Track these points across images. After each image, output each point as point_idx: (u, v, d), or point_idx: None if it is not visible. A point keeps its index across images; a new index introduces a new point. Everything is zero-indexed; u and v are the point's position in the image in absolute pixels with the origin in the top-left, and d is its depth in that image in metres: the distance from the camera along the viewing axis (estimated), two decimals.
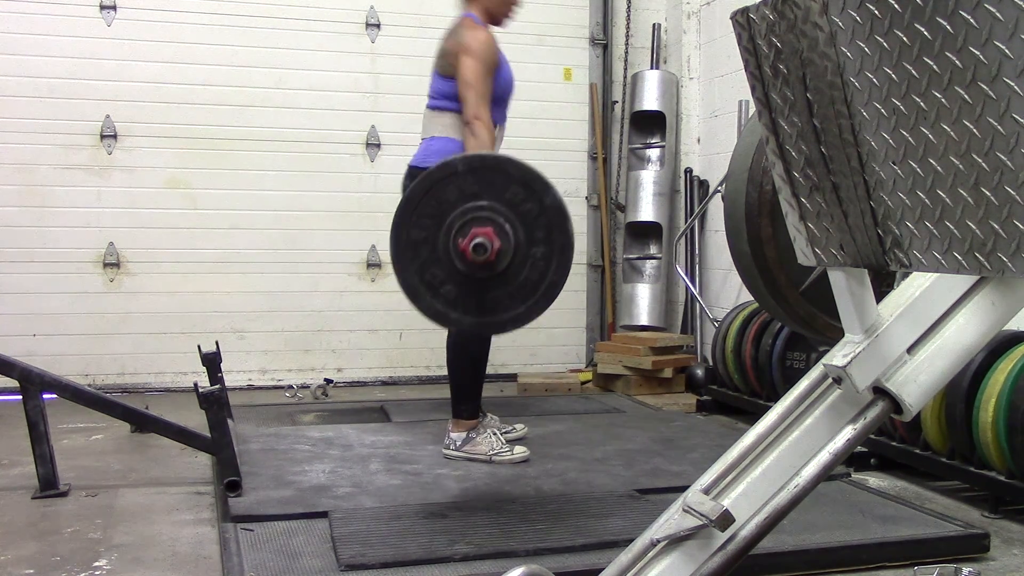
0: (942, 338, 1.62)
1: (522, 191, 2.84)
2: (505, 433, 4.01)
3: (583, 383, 5.96)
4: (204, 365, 4.35)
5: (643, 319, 6.37)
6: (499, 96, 3.87)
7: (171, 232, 5.81)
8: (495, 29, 3.95)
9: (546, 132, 6.33)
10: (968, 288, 1.65)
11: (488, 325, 2.88)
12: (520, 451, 3.85)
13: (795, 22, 1.41)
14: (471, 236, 2.78)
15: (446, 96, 3.83)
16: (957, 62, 1.21)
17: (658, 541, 1.62)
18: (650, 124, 6.49)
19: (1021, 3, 1.11)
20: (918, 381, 1.59)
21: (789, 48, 1.44)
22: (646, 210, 6.40)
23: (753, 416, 4.53)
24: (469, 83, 3.69)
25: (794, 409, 1.71)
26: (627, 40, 6.61)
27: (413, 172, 3.88)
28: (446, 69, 3.82)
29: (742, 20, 1.52)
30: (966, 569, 2.60)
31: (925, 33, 1.24)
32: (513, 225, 2.83)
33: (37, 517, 3.22)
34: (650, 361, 5.55)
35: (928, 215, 1.34)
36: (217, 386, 3.44)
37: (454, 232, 2.81)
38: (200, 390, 3.27)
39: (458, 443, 3.84)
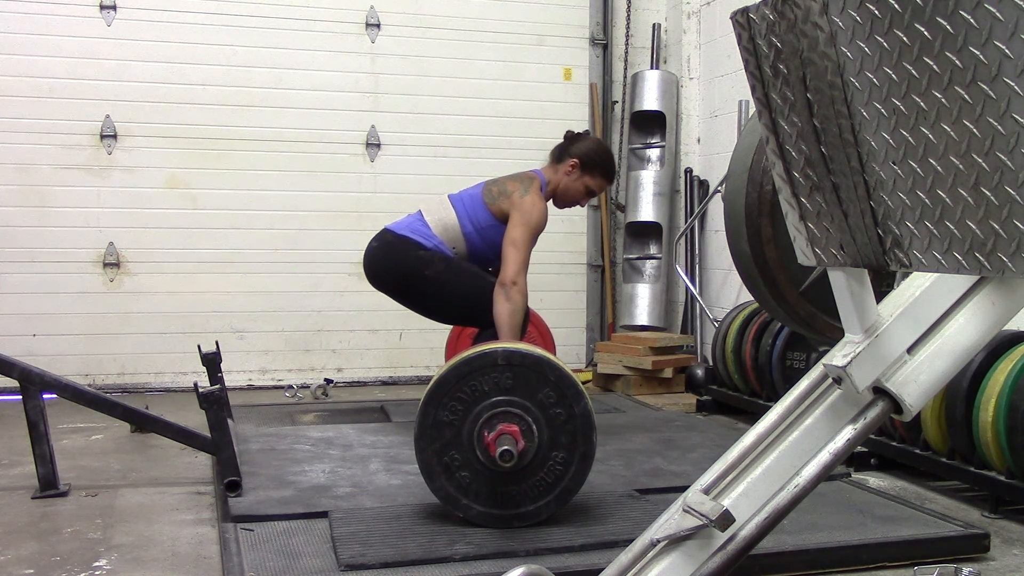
0: (942, 338, 1.62)
1: (555, 395, 2.89)
2: None
3: (583, 383, 5.95)
4: (204, 365, 4.35)
5: (643, 319, 6.37)
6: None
7: (171, 232, 5.81)
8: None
9: (546, 132, 6.32)
10: (968, 288, 1.65)
11: (496, 518, 2.90)
12: None
13: (795, 22, 1.41)
14: (498, 432, 2.81)
15: (471, 216, 3.99)
16: (957, 62, 1.21)
17: (658, 541, 1.62)
18: (650, 124, 6.49)
19: (1021, 3, 1.11)
20: (918, 381, 1.60)
21: (789, 48, 1.44)
22: (646, 210, 6.40)
23: (753, 416, 4.53)
24: (516, 245, 3.85)
25: (794, 409, 1.71)
26: (627, 40, 6.61)
27: (386, 235, 3.99)
28: (493, 202, 3.98)
29: (742, 20, 1.52)
30: (966, 569, 2.60)
31: (925, 33, 1.24)
32: (539, 425, 2.87)
33: (37, 517, 3.22)
34: (650, 361, 5.55)
35: (928, 215, 1.34)
36: (217, 386, 3.44)
37: (481, 422, 2.84)
38: (200, 390, 3.26)
39: None
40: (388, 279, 4.06)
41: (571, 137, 4.15)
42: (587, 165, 4.06)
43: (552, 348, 4.89)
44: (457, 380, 2.87)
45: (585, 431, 2.90)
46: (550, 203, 4.15)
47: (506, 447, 2.76)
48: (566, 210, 6.57)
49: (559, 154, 4.12)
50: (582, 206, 4.36)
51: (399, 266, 3.97)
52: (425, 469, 2.90)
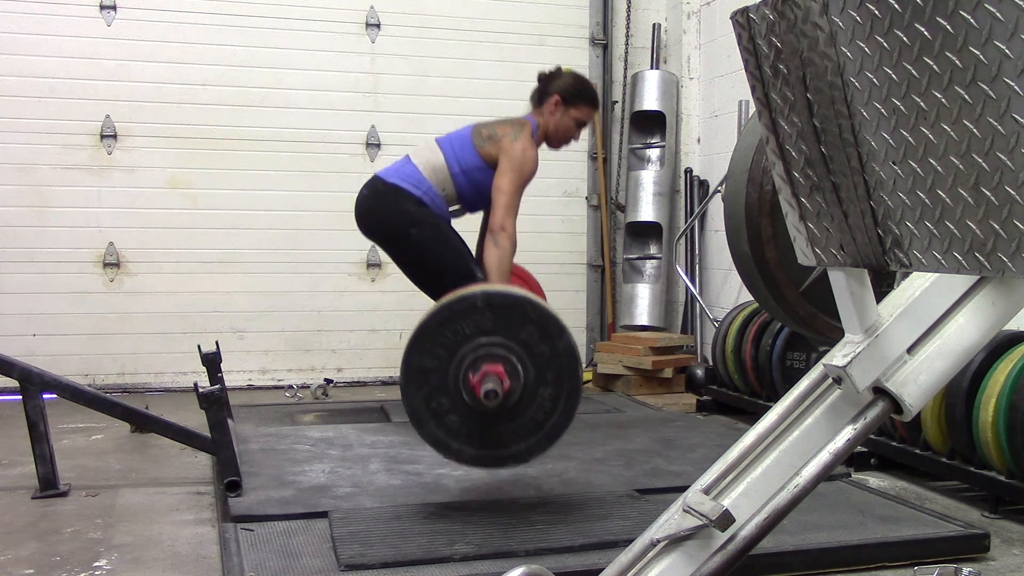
0: (942, 338, 1.62)
1: (537, 333, 2.88)
2: None
3: (583, 383, 5.95)
4: (204, 365, 4.35)
5: (643, 319, 6.37)
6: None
7: (171, 232, 5.81)
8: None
9: None
10: (968, 288, 1.65)
11: (488, 459, 2.91)
12: None
13: (795, 22, 1.41)
14: (482, 373, 2.81)
15: (459, 158, 3.90)
16: (957, 62, 1.21)
17: (658, 541, 1.62)
18: (650, 124, 6.49)
19: (1021, 3, 1.11)
20: (918, 381, 1.60)
21: (789, 48, 1.44)
22: (646, 210, 6.39)
23: (753, 416, 4.53)
24: (504, 191, 3.77)
25: (794, 409, 1.71)
26: (627, 40, 6.61)
27: (376, 183, 3.93)
28: (482, 145, 3.89)
29: (742, 20, 1.52)
30: (966, 569, 2.60)
31: (925, 33, 1.24)
32: (524, 364, 2.87)
33: (37, 517, 3.22)
34: (650, 361, 5.55)
35: (928, 215, 1.34)
36: (217, 386, 3.44)
37: (466, 365, 2.84)
38: (200, 390, 3.26)
39: None
40: (376, 229, 3.99)
41: (545, 78, 4.06)
42: (569, 98, 4.00)
43: (541, 294, 4.81)
44: (438, 325, 2.86)
45: (571, 367, 2.90)
46: (544, 148, 4.06)
47: (490, 386, 2.76)
48: (566, 211, 6.60)
49: (539, 96, 4.04)
50: (576, 140, 4.22)
51: (387, 217, 3.89)
52: (414, 417, 2.88)
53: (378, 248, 6.01)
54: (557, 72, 4.07)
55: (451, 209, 3.98)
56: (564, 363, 2.90)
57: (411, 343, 2.88)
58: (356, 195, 3.96)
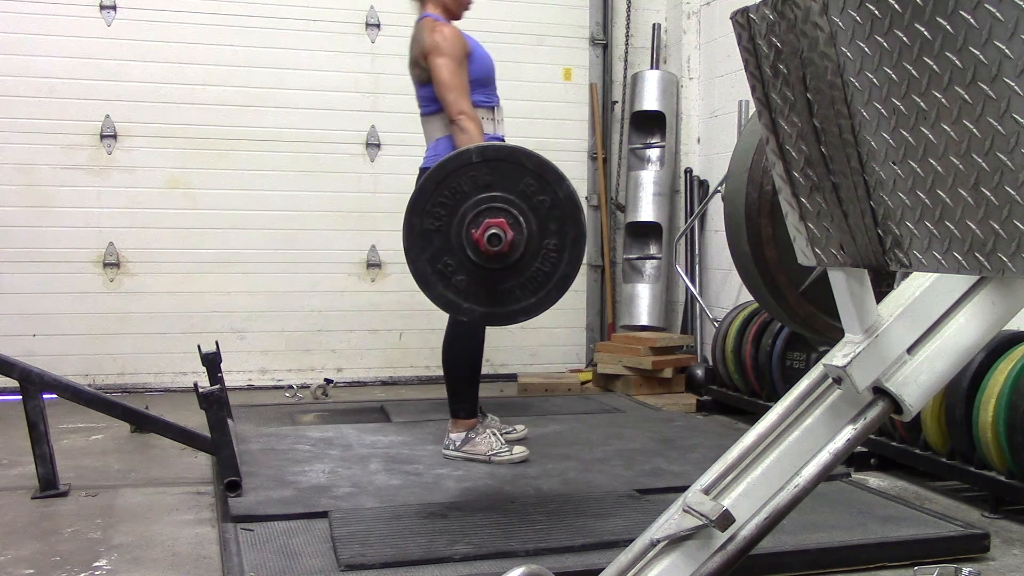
0: (942, 338, 1.62)
1: (535, 182, 2.85)
2: (505, 434, 4.02)
3: (583, 383, 5.96)
4: (204, 365, 4.35)
5: (643, 319, 6.37)
6: (482, 79, 3.86)
7: (171, 232, 5.81)
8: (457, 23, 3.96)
9: (546, 132, 6.33)
10: (968, 288, 1.65)
11: (499, 316, 2.88)
12: (519, 451, 3.85)
13: (795, 22, 1.41)
14: (484, 227, 2.79)
15: (432, 101, 3.84)
16: (957, 62, 1.21)
17: (658, 541, 1.62)
18: (650, 124, 6.49)
19: (1021, 3, 1.11)
20: (918, 381, 1.59)
21: (789, 48, 1.44)
22: (646, 210, 6.39)
23: (753, 416, 4.53)
24: (444, 83, 3.69)
25: (794, 409, 1.71)
26: (627, 40, 6.61)
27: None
28: (422, 77, 3.83)
29: (742, 20, 1.52)
30: (966, 569, 2.60)
31: (925, 33, 1.24)
32: (526, 216, 2.84)
33: (37, 517, 3.22)
34: (650, 361, 5.55)
35: (928, 215, 1.34)
36: (217, 386, 3.44)
37: (467, 222, 2.82)
38: (200, 390, 3.26)
39: (457, 443, 3.84)
40: None
41: None
42: None
43: None
44: (436, 185, 2.83)
45: (573, 213, 2.88)
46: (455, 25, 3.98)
47: (493, 230, 2.75)
48: None
49: None
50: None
51: None
52: (421, 279, 2.85)
53: (378, 248, 6.06)
54: None
55: (489, 134, 3.92)
56: (566, 211, 2.86)
57: (410, 206, 2.84)
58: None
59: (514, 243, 2.81)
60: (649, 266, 6.51)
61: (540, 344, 6.41)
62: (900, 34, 1.27)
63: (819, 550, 2.77)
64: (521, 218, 2.84)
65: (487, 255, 2.81)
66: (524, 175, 2.85)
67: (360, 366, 6.16)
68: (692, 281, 6.17)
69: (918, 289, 1.64)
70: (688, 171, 6.42)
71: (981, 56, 1.18)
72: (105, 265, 5.73)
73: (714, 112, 6.30)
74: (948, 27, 1.21)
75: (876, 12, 1.29)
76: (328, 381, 5.85)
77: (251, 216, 5.93)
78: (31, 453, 3.44)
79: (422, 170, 3.90)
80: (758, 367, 4.76)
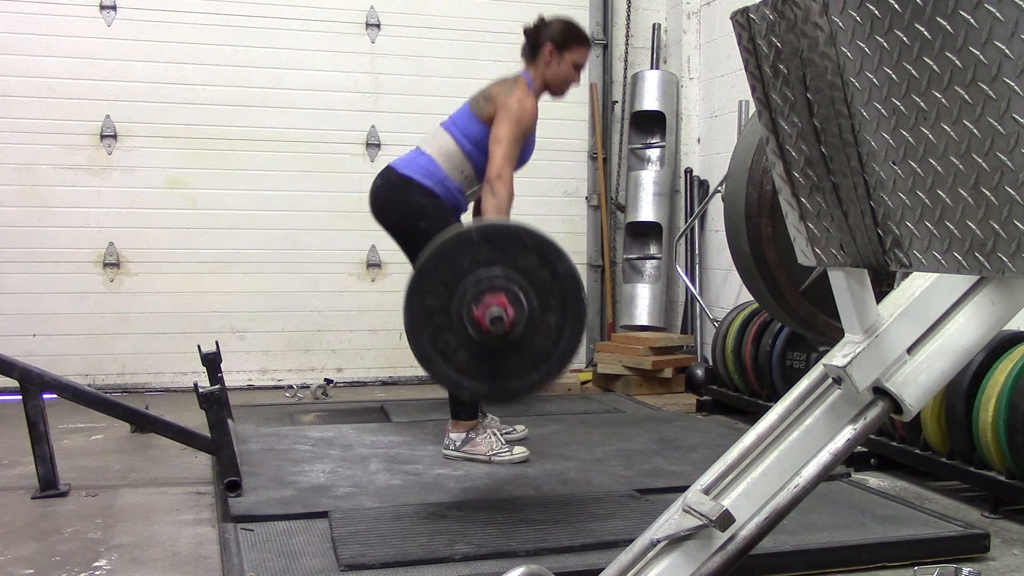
0: (942, 338, 1.62)
1: (536, 259, 2.84)
2: (506, 434, 4.02)
3: (583, 383, 5.96)
4: (204, 365, 4.35)
5: (643, 319, 6.37)
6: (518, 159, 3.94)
7: (171, 232, 5.81)
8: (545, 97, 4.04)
9: (546, 132, 6.27)
10: (968, 288, 1.65)
11: (502, 393, 2.88)
12: (519, 451, 3.85)
13: (795, 22, 1.41)
14: (485, 304, 2.77)
15: (465, 134, 3.88)
16: (957, 62, 1.21)
17: (658, 541, 1.62)
18: (650, 124, 6.49)
19: (1021, 3, 1.11)
20: (918, 381, 1.59)
21: (789, 48, 1.44)
22: (646, 210, 6.39)
23: (753, 416, 4.53)
24: (501, 141, 3.74)
25: (794, 409, 1.71)
26: (627, 40, 6.61)
27: (390, 173, 3.92)
28: (481, 111, 3.87)
29: (742, 20, 1.52)
30: (966, 569, 2.60)
31: (925, 33, 1.24)
32: (527, 293, 2.82)
33: (37, 517, 3.22)
34: (650, 361, 5.55)
35: (928, 215, 1.34)
36: (217, 386, 3.44)
37: (468, 300, 2.80)
38: (200, 390, 3.26)
39: (457, 443, 3.84)
40: (389, 220, 4.00)
41: (532, 30, 4.03)
42: (562, 43, 3.96)
43: None
44: (436, 264, 2.82)
45: (573, 290, 2.86)
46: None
47: (495, 314, 2.73)
48: (566, 211, 6.59)
49: (531, 50, 4.00)
50: (578, 84, 4.19)
51: (399, 209, 3.91)
52: (422, 359, 2.85)
53: (378, 248, 6.06)
54: (542, 22, 4.02)
55: (470, 192, 3.96)
56: (567, 287, 2.85)
57: (411, 285, 2.83)
58: (370, 185, 3.97)
59: (515, 321, 2.79)
60: (649, 266, 6.51)
61: None
62: (900, 34, 1.27)
63: (819, 550, 2.77)
64: (522, 295, 2.82)
65: (488, 334, 2.79)
66: (524, 252, 2.84)
67: (360, 366, 6.16)
68: (692, 281, 6.17)
69: (918, 289, 1.64)
70: (688, 171, 6.41)
71: (981, 56, 1.18)
72: (105, 265, 5.73)
73: (714, 112, 6.30)
74: (948, 27, 1.20)
75: (876, 12, 1.29)
76: (328, 381, 5.85)
77: (251, 216, 5.92)
78: (31, 453, 3.44)
79: (390, 167, 3.93)
80: (758, 367, 4.76)
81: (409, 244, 3.96)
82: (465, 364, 2.84)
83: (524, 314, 2.81)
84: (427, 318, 2.82)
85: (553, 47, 3.94)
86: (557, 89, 4.05)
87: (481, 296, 2.78)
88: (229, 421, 3.74)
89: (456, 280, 2.81)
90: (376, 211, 4.02)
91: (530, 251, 2.83)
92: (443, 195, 3.86)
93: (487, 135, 3.81)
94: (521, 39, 4.13)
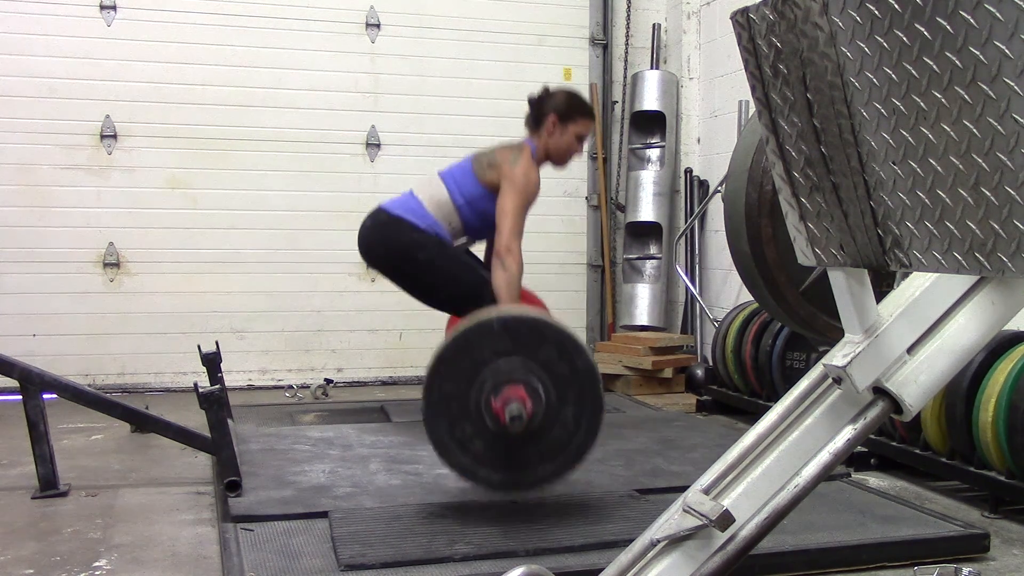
0: (942, 338, 1.62)
1: (555, 352, 2.86)
2: None
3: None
4: (204, 365, 4.35)
5: (643, 319, 6.37)
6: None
7: (171, 232, 5.81)
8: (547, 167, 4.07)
9: None
10: (968, 288, 1.64)
11: (516, 483, 2.90)
12: None
13: (795, 22, 1.41)
14: (504, 397, 2.79)
15: (461, 189, 3.93)
16: (957, 62, 1.21)
17: (658, 541, 1.62)
18: (650, 124, 6.49)
19: (1021, 3, 1.11)
20: (918, 381, 1.59)
21: (789, 48, 1.44)
22: (646, 210, 6.39)
23: (753, 416, 4.53)
24: (508, 214, 3.79)
25: (794, 409, 1.71)
26: (627, 40, 6.61)
27: (380, 215, 3.96)
28: (482, 175, 3.92)
29: (742, 20, 1.52)
30: (966, 569, 2.60)
31: (925, 33, 1.24)
32: (545, 385, 2.85)
33: (37, 517, 3.22)
34: (650, 361, 5.55)
35: (928, 215, 1.34)
36: (217, 386, 3.44)
37: (486, 390, 2.82)
38: (200, 390, 3.26)
39: None
40: (380, 259, 4.05)
41: (536, 100, 4.06)
42: (565, 115, 3.99)
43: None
44: (456, 352, 2.85)
45: (591, 384, 2.88)
46: (549, 168, 4.08)
47: (515, 412, 2.74)
48: (566, 211, 6.59)
49: (534, 119, 4.03)
50: (580, 155, 4.26)
51: (391, 247, 3.95)
52: (438, 446, 2.86)
53: None
54: (546, 92, 4.08)
55: (457, 243, 4.01)
56: (584, 381, 2.88)
57: (430, 372, 2.87)
58: (359, 226, 4.01)
59: (533, 414, 2.81)
60: (649, 266, 6.51)
61: None
62: (900, 34, 1.27)
63: (819, 550, 2.77)
64: (540, 388, 2.84)
65: (506, 428, 2.81)
66: (544, 344, 2.86)
67: (360, 366, 6.16)
68: (692, 281, 6.17)
69: (918, 289, 1.64)
70: (688, 171, 6.42)
71: (981, 56, 1.18)
72: (105, 265, 5.73)
73: (714, 112, 6.30)
74: (948, 27, 1.20)
75: (876, 12, 1.29)
76: (328, 381, 5.85)
77: (251, 216, 5.93)
78: (31, 453, 3.44)
79: (380, 208, 3.97)
80: (758, 367, 4.76)
81: (406, 278, 4.01)
82: (480, 453, 2.87)
83: (542, 407, 2.83)
84: (445, 405, 2.85)
85: (557, 118, 3.99)
86: (559, 159, 4.11)
87: (500, 387, 2.81)
88: (229, 421, 3.74)
89: (476, 369, 2.84)
90: (366, 251, 4.06)
91: (550, 343, 2.87)
92: (436, 232, 3.93)
93: (483, 197, 3.90)
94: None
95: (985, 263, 1.26)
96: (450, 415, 2.84)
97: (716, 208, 6.05)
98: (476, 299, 3.86)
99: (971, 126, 1.22)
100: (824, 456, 1.58)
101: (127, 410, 3.67)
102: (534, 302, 4.93)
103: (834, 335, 2.40)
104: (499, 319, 2.88)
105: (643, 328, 6.30)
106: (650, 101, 6.41)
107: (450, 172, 4.01)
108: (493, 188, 3.89)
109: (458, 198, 3.92)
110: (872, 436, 2.91)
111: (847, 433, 1.60)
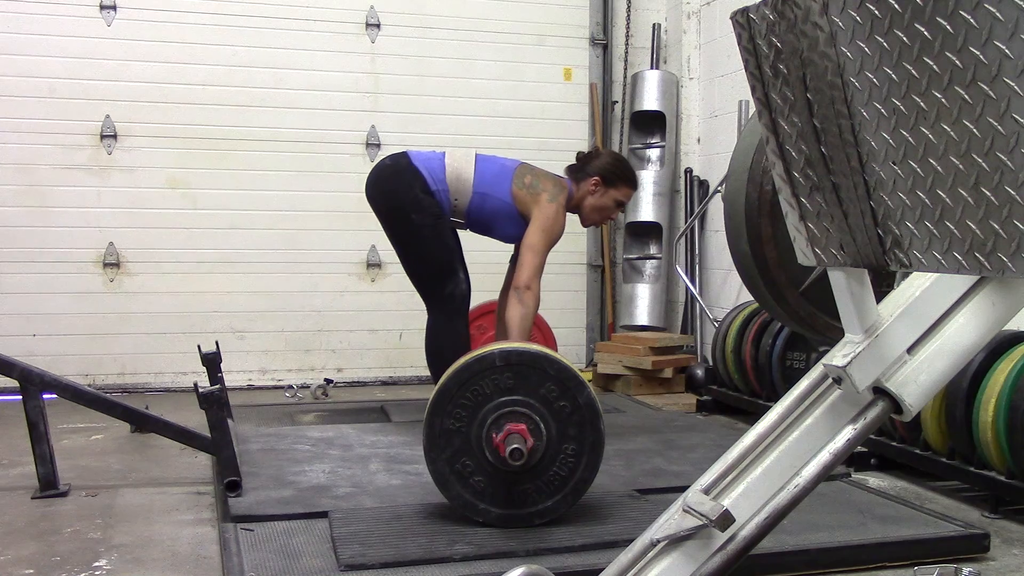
0: (942, 338, 1.62)
1: (557, 388, 2.89)
2: None
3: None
4: (204, 365, 4.35)
5: (643, 319, 6.37)
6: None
7: (171, 232, 5.81)
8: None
9: (546, 132, 6.33)
10: (968, 288, 1.65)
11: (515, 517, 2.91)
12: None
13: (795, 22, 1.41)
14: (506, 432, 2.82)
15: (489, 184, 4.01)
16: (957, 62, 1.21)
17: (658, 541, 1.62)
18: (650, 124, 6.49)
19: (1021, 3, 1.11)
20: (918, 381, 1.60)
21: (789, 48, 1.44)
22: (646, 210, 6.39)
23: (753, 416, 4.53)
24: (534, 250, 3.90)
25: (794, 409, 1.71)
26: (627, 40, 6.61)
27: (401, 158, 4.04)
28: (517, 191, 4.00)
29: (742, 20, 1.52)
30: (966, 569, 2.60)
31: (925, 33, 1.24)
32: (546, 421, 2.88)
33: (37, 517, 3.22)
34: (650, 361, 5.55)
35: (928, 215, 1.34)
36: (217, 386, 3.44)
37: (488, 424, 2.85)
38: (200, 390, 3.26)
39: None
40: (378, 202, 4.11)
41: (584, 157, 4.17)
42: (609, 179, 4.08)
43: (554, 346, 4.90)
44: (458, 387, 2.88)
45: (592, 420, 2.92)
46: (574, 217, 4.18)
47: (515, 446, 2.77)
48: None
49: (576, 173, 4.13)
50: (613, 220, 4.38)
51: (391, 197, 4.03)
52: (439, 479, 2.90)
53: (378, 248, 6.06)
54: (595, 152, 4.19)
55: (452, 219, 4.03)
56: (586, 417, 2.91)
57: (432, 406, 2.89)
58: (376, 163, 4.06)
59: (533, 449, 2.84)
60: (649, 266, 6.51)
61: None
62: (900, 34, 1.27)
63: (819, 550, 2.77)
64: (541, 424, 2.87)
65: (506, 461, 2.83)
66: (546, 380, 2.89)
67: (360, 366, 6.16)
68: (692, 281, 6.17)
69: (918, 289, 1.65)
70: (688, 171, 6.42)
71: (981, 56, 1.18)
72: (105, 265, 5.73)
73: (714, 112, 6.30)
74: (948, 27, 1.20)
75: (876, 12, 1.29)
76: (328, 381, 5.85)
77: (251, 216, 5.92)
78: (31, 453, 3.44)
79: (406, 153, 4.08)
80: (758, 367, 4.76)
81: (396, 231, 4.07)
82: (481, 487, 2.89)
83: (543, 443, 2.87)
84: (446, 440, 2.87)
85: (600, 180, 4.06)
86: (590, 219, 4.18)
87: (502, 423, 2.84)
88: (229, 421, 3.74)
89: (478, 404, 2.87)
90: (373, 189, 4.10)
91: (552, 380, 2.89)
92: (440, 200, 4.00)
93: (504, 203, 3.99)
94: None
95: (985, 263, 1.26)
96: (451, 448, 2.87)
97: (716, 208, 6.05)
98: (437, 282, 3.93)
99: (971, 126, 1.22)
100: (824, 456, 1.59)
101: (127, 410, 3.67)
102: (545, 331, 5.00)
103: (834, 335, 2.40)
104: (501, 353, 2.90)
105: (643, 328, 6.30)
106: (650, 101, 6.41)
107: (488, 162, 4.05)
108: (520, 205, 3.96)
109: (480, 187, 3.97)
110: (872, 436, 2.92)
111: (847, 433, 1.60)
